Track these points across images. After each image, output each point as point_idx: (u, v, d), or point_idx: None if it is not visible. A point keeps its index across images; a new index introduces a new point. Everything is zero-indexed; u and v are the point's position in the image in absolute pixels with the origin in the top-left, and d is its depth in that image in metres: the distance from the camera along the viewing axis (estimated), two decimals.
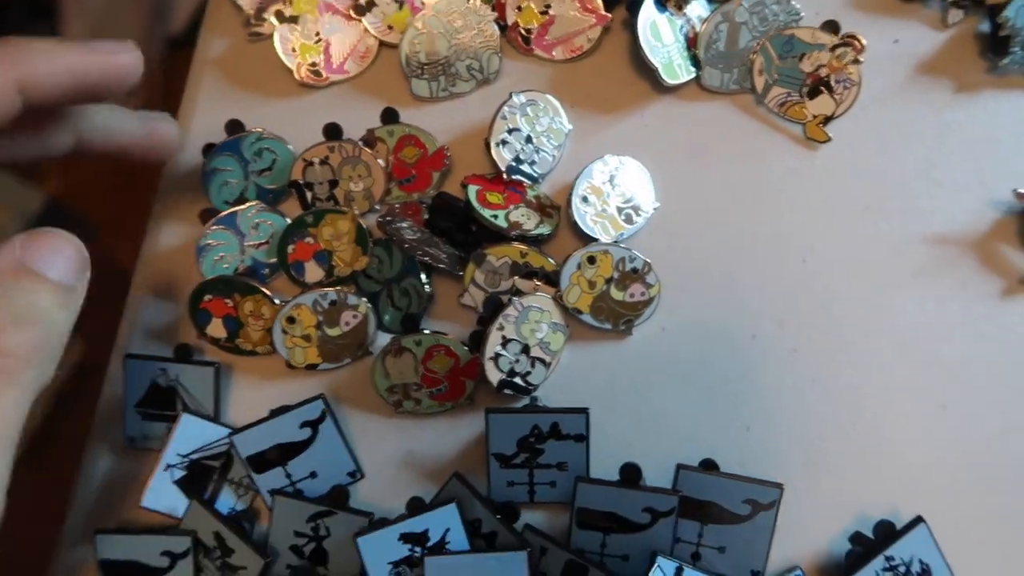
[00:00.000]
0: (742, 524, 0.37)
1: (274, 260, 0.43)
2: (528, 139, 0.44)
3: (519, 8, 0.46)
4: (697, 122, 0.45)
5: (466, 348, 0.41)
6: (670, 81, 0.44)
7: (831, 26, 0.43)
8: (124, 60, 0.35)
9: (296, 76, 0.47)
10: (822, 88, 0.44)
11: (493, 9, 0.46)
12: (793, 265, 0.42)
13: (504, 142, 0.43)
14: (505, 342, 0.40)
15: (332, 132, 0.44)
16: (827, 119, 0.44)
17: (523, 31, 0.46)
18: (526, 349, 0.40)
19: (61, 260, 0.31)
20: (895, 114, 0.44)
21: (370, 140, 0.44)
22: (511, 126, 0.44)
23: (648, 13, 0.44)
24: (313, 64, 0.46)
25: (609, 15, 0.46)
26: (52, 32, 1.71)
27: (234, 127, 0.44)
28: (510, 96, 0.44)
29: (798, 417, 0.40)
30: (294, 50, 0.46)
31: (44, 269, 0.30)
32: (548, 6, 0.46)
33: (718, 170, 0.44)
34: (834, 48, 0.43)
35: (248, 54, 0.48)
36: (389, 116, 0.44)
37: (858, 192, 0.43)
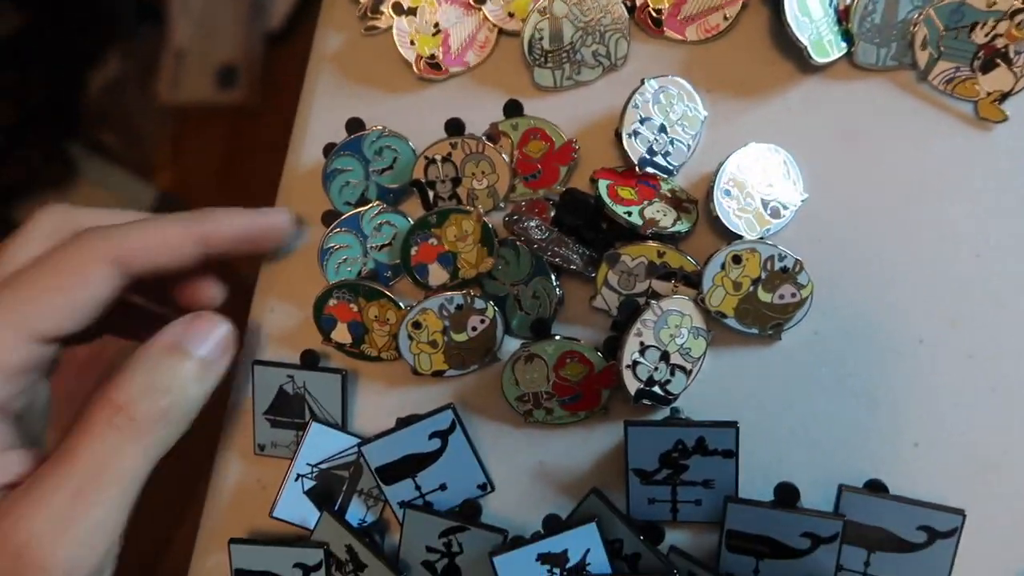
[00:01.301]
0: (916, 553, 0.33)
1: (397, 262, 0.42)
2: (662, 128, 0.41)
3: None
4: (849, 103, 0.41)
5: (600, 355, 0.38)
6: (819, 60, 0.40)
7: None
8: (277, 221, 0.42)
9: (415, 69, 0.45)
10: (998, 61, 0.39)
11: None
12: (965, 260, 0.38)
13: (636, 133, 0.40)
14: (643, 349, 0.37)
15: (454, 128, 0.42)
16: (1004, 95, 0.39)
17: (653, 11, 0.43)
18: (665, 356, 0.37)
19: (210, 340, 0.36)
20: None
21: (493, 135, 0.42)
22: (643, 115, 0.40)
23: None
24: (432, 56, 0.44)
25: None
26: (160, 31, 1.77)
27: (354, 126, 0.43)
28: (642, 83, 0.41)
29: (976, 432, 0.36)
30: (412, 43, 0.45)
31: (192, 347, 0.35)
32: None
33: (875, 156, 0.40)
34: (1014, 14, 0.38)
35: (365, 48, 0.47)
36: (513, 109, 0.42)
37: None
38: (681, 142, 0.41)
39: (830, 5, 0.41)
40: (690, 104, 0.41)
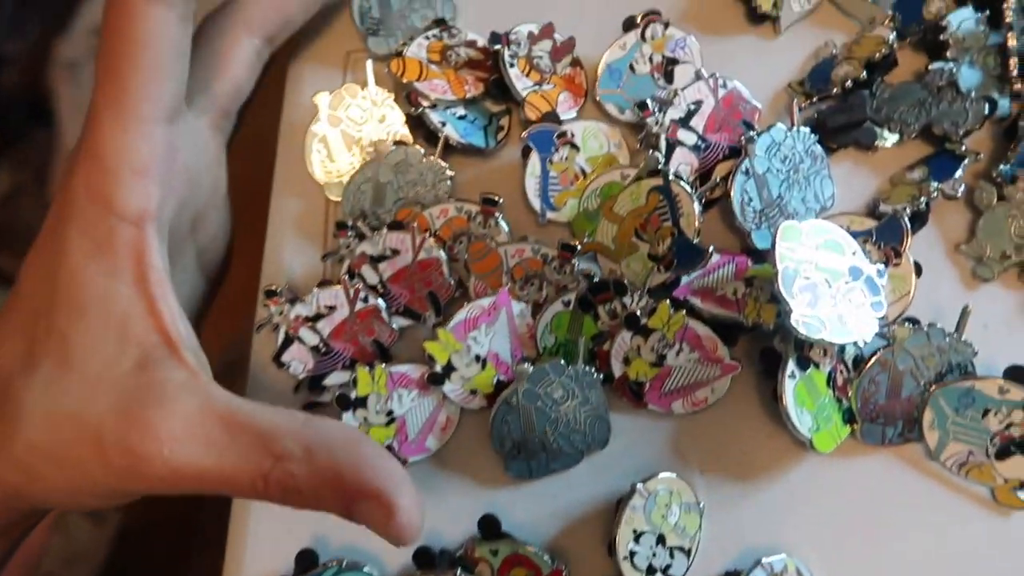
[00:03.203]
0: None
1: None
2: (659, 539, 0.36)
3: (626, 360, 0.38)
4: (855, 484, 0.38)
5: None
6: (823, 451, 0.37)
7: (1021, 375, 0.35)
8: None
9: None
10: (1014, 449, 0.36)
11: (593, 360, 0.39)
12: None
13: (632, 554, 0.36)
14: None
15: (423, 558, 0.36)
16: (1022, 484, 0.36)
17: (633, 383, 0.39)
18: None
19: None
20: None
21: (470, 562, 0.37)
22: (637, 529, 0.36)
23: (791, 376, 0.36)
24: (388, 448, 0.39)
25: (737, 364, 0.38)
26: (51, 134, 1.64)
27: (306, 560, 0.37)
28: (633, 490, 0.36)
29: None
30: None
31: None
32: (663, 357, 0.38)
33: (887, 549, 0.37)
34: None
35: None
36: (489, 529, 0.37)
37: None
38: (681, 550, 0.37)
39: (828, 384, 0.37)
40: (687, 502, 0.37)
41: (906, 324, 0.37)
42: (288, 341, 0.40)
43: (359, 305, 0.40)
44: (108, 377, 0.32)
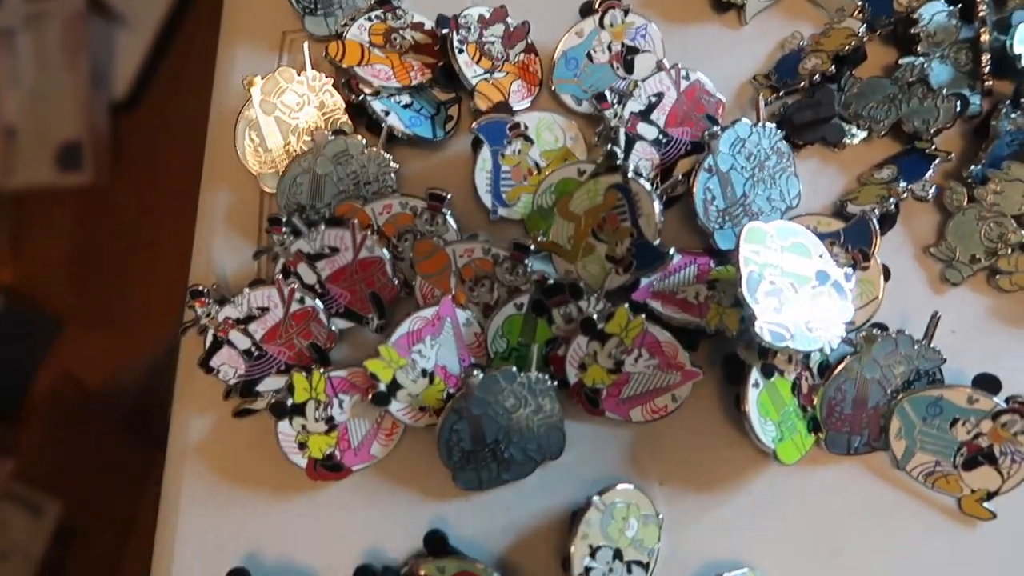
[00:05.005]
0: None
1: None
2: (616, 555, 0.34)
3: (582, 366, 0.36)
4: (819, 493, 0.36)
5: None
6: (788, 463, 0.35)
7: (990, 384, 0.34)
8: None
9: (309, 474, 0.36)
10: (982, 459, 0.34)
11: (547, 365, 0.37)
12: None
13: (588, 570, 0.34)
14: None
15: None
16: (990, 495, 0.35)
17: (589, 390, 0.36)
18: None
19: None
20: None
21: None
22: (594, 543, 0.34)
23: (755, 385, 0.35)
24: (329, 457, 0.36)
25: (699, 371, 0.36)
26: None
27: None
28: (588, 503, 0.34)
29: None
30: (303, 445, 0.36)
31: None
32: (620, 363, 0.36)
33: (853, 561, 0.35)
34: (997, 415, 0.34)
35: (238, 436, 0.38)
36: (435, 545, 0.35)
37: None
38: (640, 564, 0.35)
39: (793, 392, 0.35)
40: (645, 514, 0.35)
41: (874, 331, 0.35)
42: (217, 344, 0.37)
43: (295, 306, 0.37)
44: None
